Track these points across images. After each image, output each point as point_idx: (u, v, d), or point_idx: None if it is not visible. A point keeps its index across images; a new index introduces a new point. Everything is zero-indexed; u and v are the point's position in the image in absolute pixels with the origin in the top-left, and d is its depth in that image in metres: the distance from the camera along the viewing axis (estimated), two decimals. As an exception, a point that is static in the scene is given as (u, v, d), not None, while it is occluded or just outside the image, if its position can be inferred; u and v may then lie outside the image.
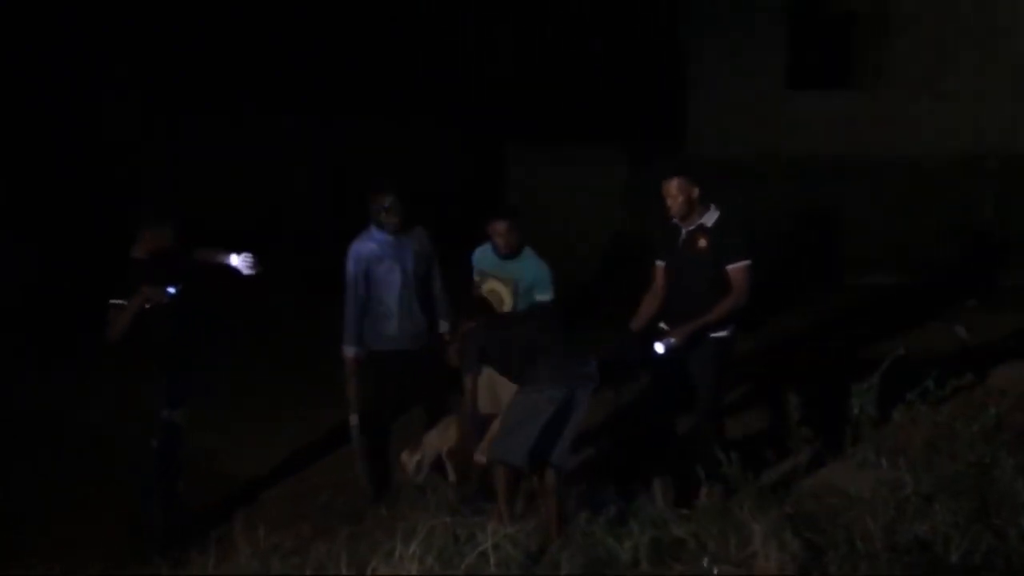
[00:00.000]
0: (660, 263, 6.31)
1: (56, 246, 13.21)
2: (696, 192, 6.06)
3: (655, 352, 5.95)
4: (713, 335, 6.06)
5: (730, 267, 5.99)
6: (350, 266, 6.75)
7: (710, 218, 6.08)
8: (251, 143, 15.35)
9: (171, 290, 6.40)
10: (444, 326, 6.86)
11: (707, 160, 12.95)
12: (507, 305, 6.51)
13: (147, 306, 6.36)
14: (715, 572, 3.72)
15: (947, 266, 11.52)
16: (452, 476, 6.52)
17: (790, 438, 4.45)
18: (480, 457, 6.10)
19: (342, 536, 4.36)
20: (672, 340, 5.94)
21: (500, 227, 6.56)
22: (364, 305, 6.75)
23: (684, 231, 6.13)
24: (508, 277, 6.56)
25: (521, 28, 16.78)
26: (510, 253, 6.58)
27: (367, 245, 6.75)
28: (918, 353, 5.25)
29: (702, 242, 6.06)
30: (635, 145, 13.27)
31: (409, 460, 6.62)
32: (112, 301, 6.37)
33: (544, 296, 6.53)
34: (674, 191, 6.06)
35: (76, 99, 14.66)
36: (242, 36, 15.48)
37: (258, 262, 6.66)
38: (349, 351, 6.79)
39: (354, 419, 6.86)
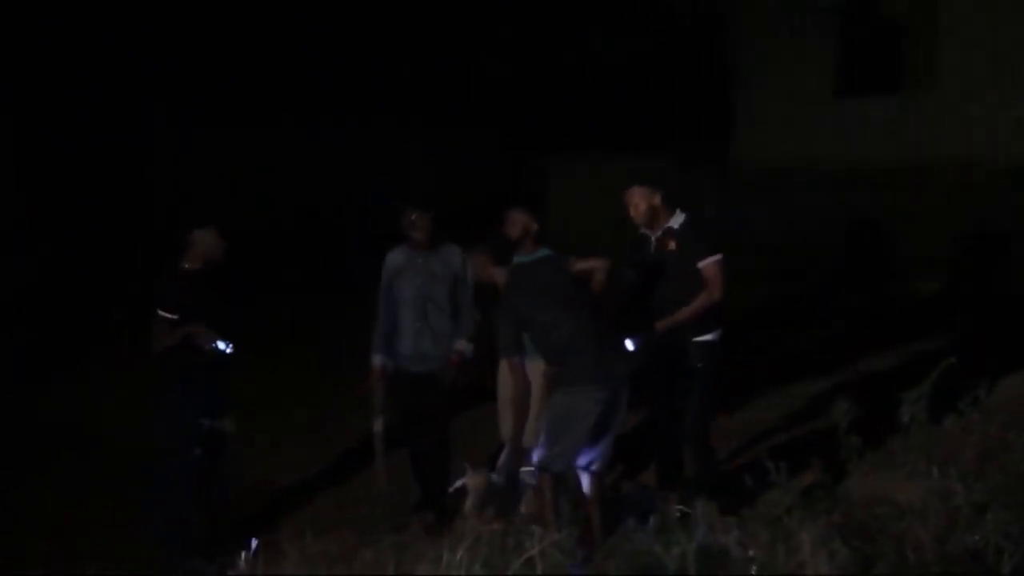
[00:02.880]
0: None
1: (72, 251, 13.39)
2: (658, 199, 6.21)
3: (626, 347, 5.96)
4: (696, 339, 6.15)
5: (701, 264, 6.12)
6: (383, 275, 6.85)
7: (676, 220, 6.24)
8: (283, 152, 15.56)
9: (222, 345, 6.26)
10: (461, 344, 6.82)
11: (753, 167, 12.95)
12: None
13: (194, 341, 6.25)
14: (764, 581, 3.70)
15: (997, 273, 11.38)
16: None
17: (838, 446, 4.40)
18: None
19: (388, 543, 4.35)
20: (643, 335, 6.00)
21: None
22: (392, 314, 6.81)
23: (653, 238, 6.27)
24: None
25: (563, 36, 16.79)
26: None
27: (395, 256, 6.84)
28: (968, 361, 5.19)
29: (671, 244, 6.20)
30: (679, 154, 13.24)
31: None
32: (161, 313, 6.28)
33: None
34: (635, 199, 6.22)
35: (90, 106, 14.87)
36: (270, 48, 15.66)
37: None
38: (375, 359, 6.84)
39: (378, 424, 6.89)
